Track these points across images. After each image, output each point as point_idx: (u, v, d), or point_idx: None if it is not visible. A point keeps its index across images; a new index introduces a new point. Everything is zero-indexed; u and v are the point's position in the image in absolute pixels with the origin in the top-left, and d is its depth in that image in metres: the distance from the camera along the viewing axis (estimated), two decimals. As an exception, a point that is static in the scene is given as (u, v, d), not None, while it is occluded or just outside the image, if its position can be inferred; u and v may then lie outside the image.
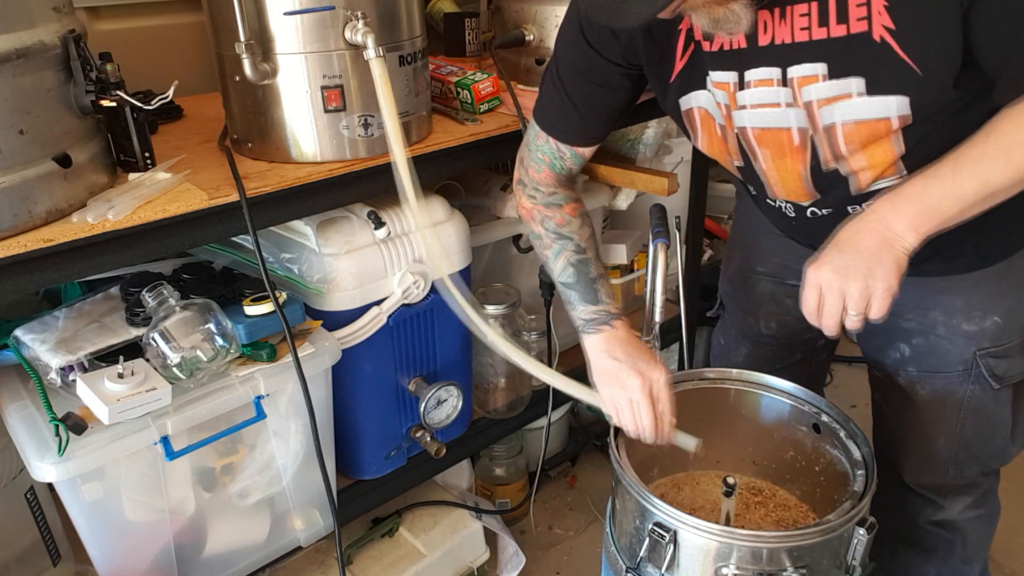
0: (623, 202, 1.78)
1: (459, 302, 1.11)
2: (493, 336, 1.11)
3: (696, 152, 1.85)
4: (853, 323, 0.92)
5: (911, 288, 1.11)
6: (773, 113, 0.94)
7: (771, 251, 1.27)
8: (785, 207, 1.08)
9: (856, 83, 0.87)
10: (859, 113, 0.89)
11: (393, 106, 1.08)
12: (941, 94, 0.87)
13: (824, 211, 1.05)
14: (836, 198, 1.02)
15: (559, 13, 1.50)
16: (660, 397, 1.03)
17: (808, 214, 1.07)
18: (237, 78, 1.13)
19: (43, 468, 1.00)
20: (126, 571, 1.15)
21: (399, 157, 1.08)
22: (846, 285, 0.89)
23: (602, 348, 1.08)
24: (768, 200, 1.10)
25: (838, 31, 0.86)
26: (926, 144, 0.92)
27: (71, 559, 1.39)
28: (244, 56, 1.07)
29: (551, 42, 1.53)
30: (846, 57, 0.86)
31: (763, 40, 0.91)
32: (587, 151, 1.13)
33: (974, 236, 1.02)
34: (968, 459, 1.18)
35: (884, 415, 1.26)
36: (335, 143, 1.17)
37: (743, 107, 0.96)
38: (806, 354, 1.35)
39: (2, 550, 1.28)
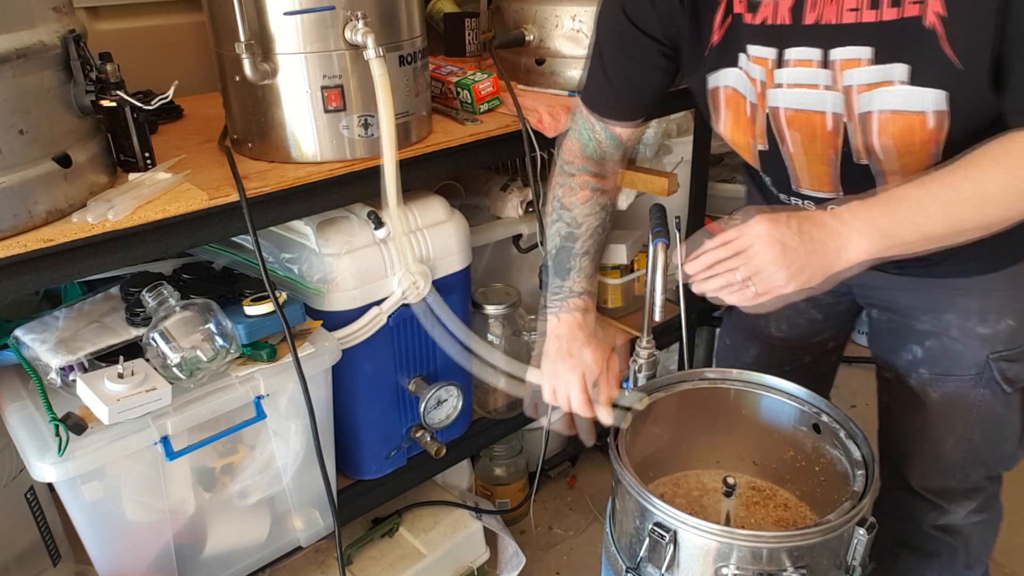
0: (623, 202, 1.78)
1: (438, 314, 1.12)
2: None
3: (696, 152, 1.87)
4: (734, 299, 0.87)
5: (927, 290, 1.10)
6: (809, 95, 0.92)
7: None
8: (804, 204, 1.07)
9: (900, 70, 0.85)
10: (897, 103, 0.87)
11: (391, 107, 1.09)
12: (978, 94, 0.84)
13: None
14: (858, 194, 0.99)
15: (559, 13, 1.50)
16: (599, 385, 1.01)
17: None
18: (237, 78, 1.13)
19: (43, 468, 0.99)
20: (126, 571, 1.15)
21: (388, 159, 1.09)
22: (772, 265, 0.83)
23: (552, 329, 1.06)
24: (783, 195, 1.09)
25: (890, 14, 0.83)
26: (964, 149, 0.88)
27: (71, 559, 1.39)
28: (244, 56, 1.07)
29: (551, 42, 1.53)
30: (894, 42, 0.84)
31: (808, 18, 0.89)
32: (620, 130, 1.10)
33: (992, 239, 0.99)
34: (975, 463, 1.17)
35: (893, 417, 1.24)
36: (335, 143, 1.17)
37: (779, 86, 0.94)
38: (815, 356, 1.33)
39: (2, 550, 1.28)
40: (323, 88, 1.13)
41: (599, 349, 1.03)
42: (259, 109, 1.16)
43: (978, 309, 1.07)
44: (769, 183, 1.10)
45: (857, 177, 0.97)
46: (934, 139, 0.88)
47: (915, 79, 0.85)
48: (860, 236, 0.83)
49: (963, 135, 0.86)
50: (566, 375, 1.02)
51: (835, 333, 1.32)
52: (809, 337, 1.31)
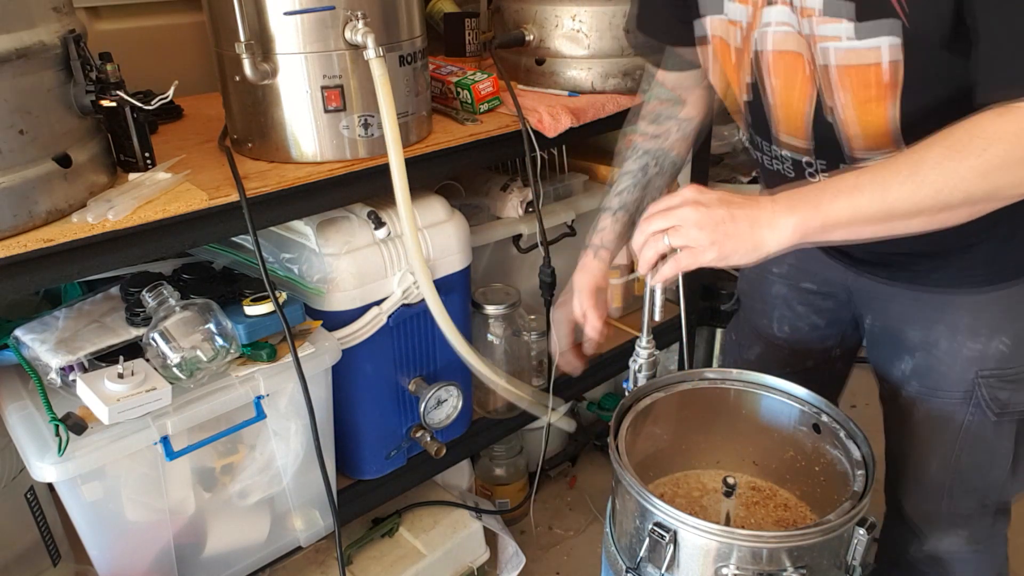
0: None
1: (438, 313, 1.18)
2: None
3: (696, 152, 1.86)
4: (667, 270, 0.88)
5: (918, 301, 1.07)
6: (792, 36, 0.91)
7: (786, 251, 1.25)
8: (784, 169, 1.05)
9: (846, 27, 0.84)
10: (849, 57, 0.86)
11: (392, 107, 1.09)
12: (930, 49, 0.81)
13: (821, 175, 1.00)
14: (830, 155, 0.97)
15: (559, 13, 1.50)
16: (589, 321, 1.15)
17: (807, 175, 1.02)
18: (237, 78, 1.13)
19: (43, 468, 0.99)
20: (126, 571, 1.15)
21: (395, 159, 1.08)
22: (695, 227, 0.83)
23: (582, 263, 1.19)
24: (769, 155, 1.07)
25: None
26: (924, 122, 0.84)
27: (71, 559, 1.39)
28: (244, 56, 1.07)
29: (551, 42, 1.53)
30: None
31: None
32: (663, 74, 1.17)
33: (983, 250, 0.98)
34: (963, 489, 1.12)
35: (890, 433, 1.21)
36: (335, 143, 1.17)
37: (767, 25, 0.92)
38: (819, 362, 1.31)
39: (2, 550, 1.28)
40: (323, 88, 1.13)
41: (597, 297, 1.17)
42: (259, 109, 1.16)
43: (968, 324, 1.04)
44: (758, 143, 1.08)
45: (825, 131, 0.95)
46: (890, 96, 0.86)
47: (860, 33, 0.83)
48: (788, 209, 0.81)
49: (920, 91, 0.83)
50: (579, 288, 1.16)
51: (840, 342, 1.30)
52: (811, 342, 1.29)
